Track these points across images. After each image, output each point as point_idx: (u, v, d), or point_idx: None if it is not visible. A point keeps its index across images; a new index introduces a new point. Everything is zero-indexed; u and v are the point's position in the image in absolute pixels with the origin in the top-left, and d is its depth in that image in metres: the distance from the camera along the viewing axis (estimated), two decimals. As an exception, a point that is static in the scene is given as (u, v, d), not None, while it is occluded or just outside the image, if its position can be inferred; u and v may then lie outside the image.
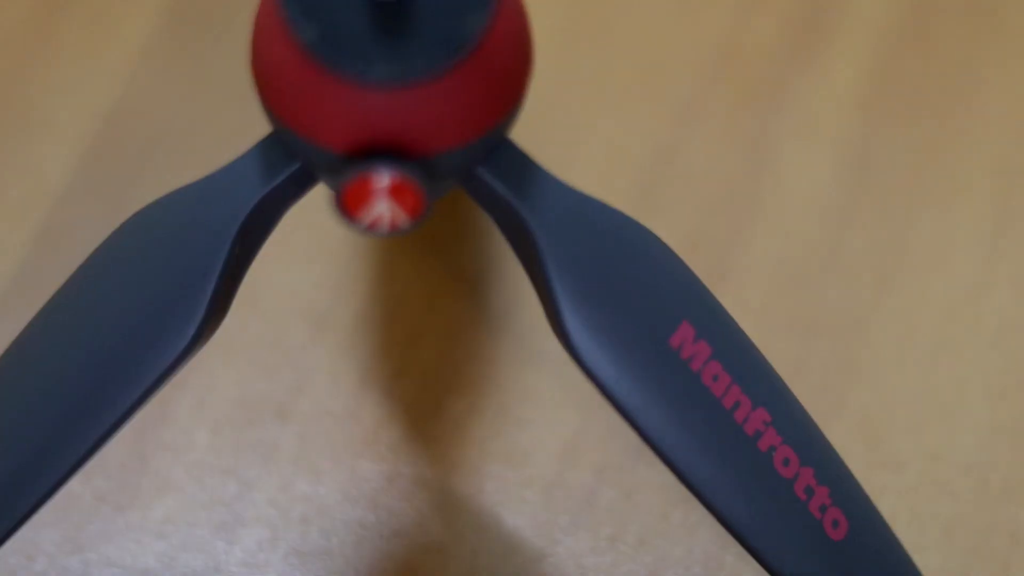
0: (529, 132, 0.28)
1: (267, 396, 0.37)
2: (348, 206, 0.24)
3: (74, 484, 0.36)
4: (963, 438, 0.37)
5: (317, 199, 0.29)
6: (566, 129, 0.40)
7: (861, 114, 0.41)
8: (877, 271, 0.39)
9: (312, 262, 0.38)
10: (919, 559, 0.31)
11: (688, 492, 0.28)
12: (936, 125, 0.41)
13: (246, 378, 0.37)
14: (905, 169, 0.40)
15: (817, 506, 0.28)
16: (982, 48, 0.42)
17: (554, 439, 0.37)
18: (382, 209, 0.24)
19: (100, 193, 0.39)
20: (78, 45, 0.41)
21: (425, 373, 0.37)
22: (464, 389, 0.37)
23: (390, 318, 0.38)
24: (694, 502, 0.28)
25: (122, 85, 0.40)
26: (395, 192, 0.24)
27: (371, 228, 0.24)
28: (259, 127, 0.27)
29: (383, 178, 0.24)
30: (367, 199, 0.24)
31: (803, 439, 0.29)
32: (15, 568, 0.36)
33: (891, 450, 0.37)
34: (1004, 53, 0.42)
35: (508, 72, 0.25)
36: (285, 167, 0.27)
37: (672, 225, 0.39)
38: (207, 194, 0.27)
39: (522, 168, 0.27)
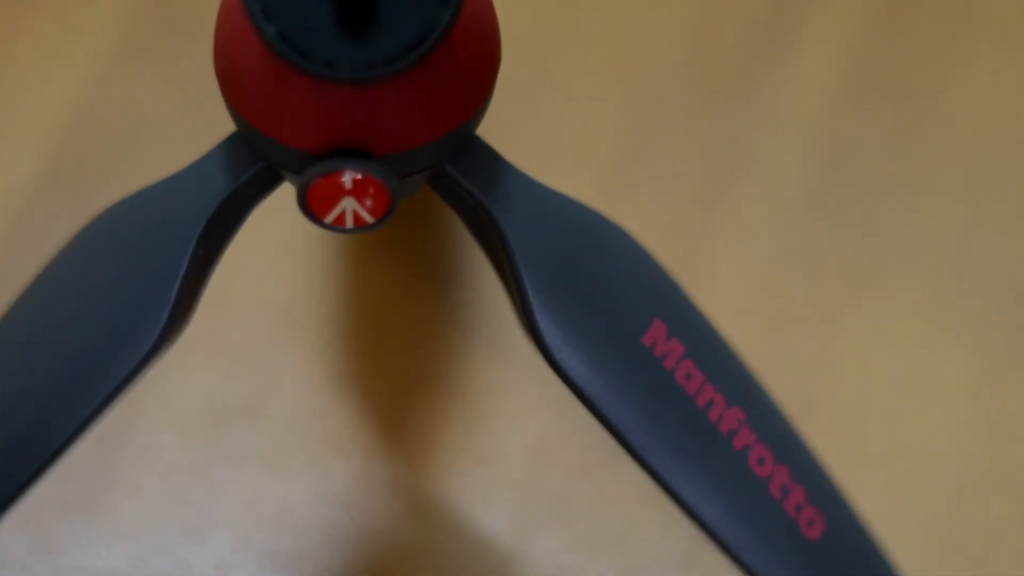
0: (496, 128, 0.28)
1: (237, 397, 0.37)
2: (313, 204, 0.24)
3: (43, 488, 0.36)
4: (939, 435, 0.37)
5: (287, 198, 0.29)
6: (535, 124, 0.40)
7: (833, 107, 0.41)
8: (850, 266, 0.39)
9: (282, 262, 0.38)
10: (896, 557, 0.31)
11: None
12: (908, 117, 0.41)
13: (216, 379, 0.37)
14: (878, 162, 0.40)
15: (792, 505, 0.28)
16: (954, 40, 0.42)
17: (528, 438, 0.37)
18: (347, 207, 0.24)
19: (67, 195, 0.39)
20: (44, 45, 0.40)
21: (397, 373, 0.37)
22: (437, 388, 0.37)
23: (361, 318, 0.38)
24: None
25: (89, 86, 0.40)
26: (360, 190, 0.24)
27: (336, 226, 0.24)
28: (228, 127, 0.27)
29: (348, 176, 0.24)
30: (332, 197, 0.24)
31: (778, 437, 0.28)
32: (-18, 572, 0.35)
33: (866, 447, 0.37)
34: (976, 43, 0.42)
35: (475, 67, 0.25)
36: (250, 166, 0.26)
37: (643, 221, 0.39)
38: (170, 194, 0.27)
39: (490, 165, 0.27)
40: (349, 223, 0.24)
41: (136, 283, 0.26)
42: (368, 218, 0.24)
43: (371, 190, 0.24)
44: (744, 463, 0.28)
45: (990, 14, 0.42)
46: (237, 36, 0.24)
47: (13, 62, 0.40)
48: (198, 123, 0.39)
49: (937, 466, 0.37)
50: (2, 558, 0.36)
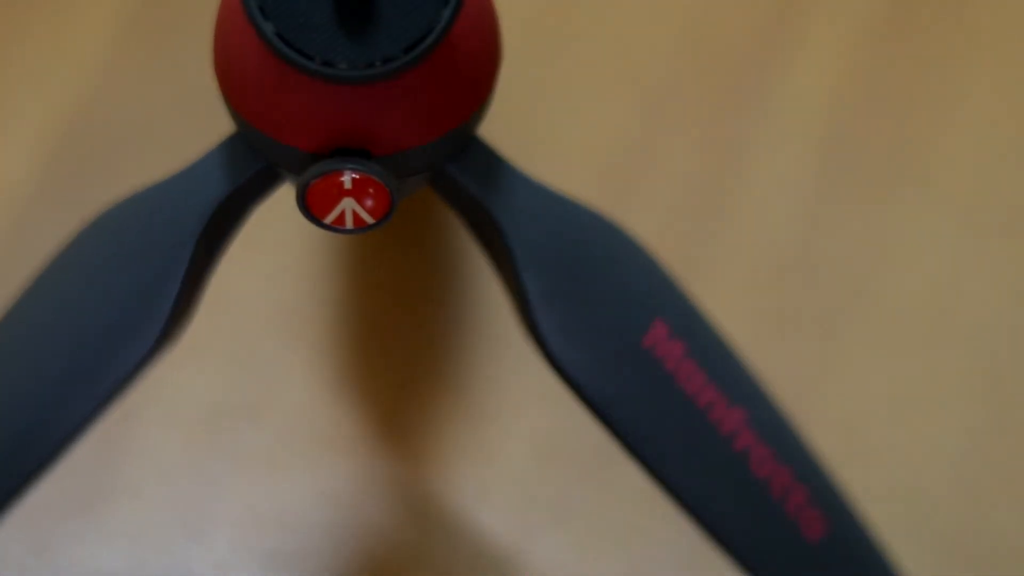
0: (497, 128, 0.28)
1: (239, 397, 0.37)
2: (312, 205, 0.24)
3: (43, 488, 0.36)
4: (939, 435, 0.37)
5: (287, 198, 0.29)
6: (535, 124, 0.40)
7: (834, 108, 0.41)
8: (851, 268, 0.39)
9: (282, 262, 0.38)
10: (896, 558, 0.30)
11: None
12: (909, 121, 0.41)
13: (216, 379, 0.37)
14: (879, 165, 0.40)
15: (793, 507, 0.28)
16: (955, 43, 0.42)
17: (530, 437, 0.37)
18: (346, 208, 0.24)
19: (67, 195, 0.39)
20: (44, 45, 0.40)
21: (399, 373, 0.37)
22: (438, 388, 0.37)
23: (361, 318, 0.38)
24: (671, 501, 0.28)
25: (89, 86, 0.40)
26: (359, 190, 0.24)
27: (336, 227, 0.24)
28: (227, 127, 0.27)
29: (347, 176, 0.23)
30: (331, 198, 0.24)
31: (780, 438, 0.28)
32: (-18, 573, 0.35)
33: (866, 450, 0.37)
34: (978, 45, 0.42)
35: (475, 67, 0.25)
36: (249, 166, 0.26)
37: (644, 221, 0.39)
38: (169, 195, 0.26)
39: (491, 165, 0.27)
40: (349, 223, 0.24)
41: (136, 283, 0.26)
42: (368, 218, 0.24)
43: (371, 190, 0.24)
44: (745, 464, 0.27)
45: (992, 16, 0.42)
46: (236, 36, 0.24)
47: (13, 62, 0.40)
48: (198, 123, 0.39)
49: (937, 466, 0.37)
50: (2, 558, 0.35)
